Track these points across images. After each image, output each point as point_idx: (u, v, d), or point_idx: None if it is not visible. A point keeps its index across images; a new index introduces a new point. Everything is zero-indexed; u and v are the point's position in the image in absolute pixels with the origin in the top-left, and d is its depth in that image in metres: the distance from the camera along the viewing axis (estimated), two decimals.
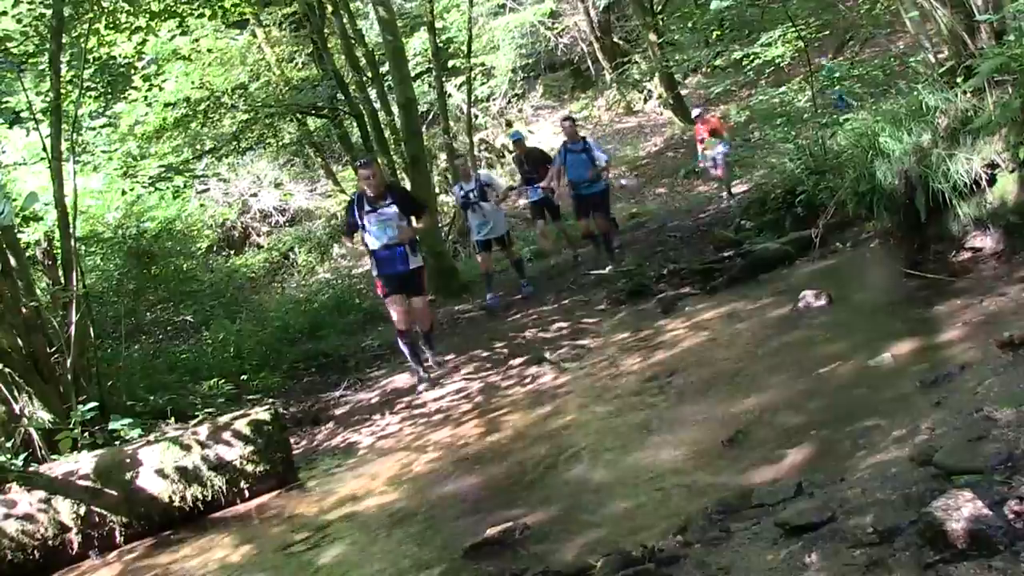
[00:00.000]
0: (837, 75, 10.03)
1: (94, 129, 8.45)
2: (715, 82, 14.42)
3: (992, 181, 4.32)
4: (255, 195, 16.74)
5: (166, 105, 10.53)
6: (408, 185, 9.84)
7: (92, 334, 5.91)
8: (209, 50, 11.96)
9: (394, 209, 6.00)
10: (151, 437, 4.74)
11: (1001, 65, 4.14)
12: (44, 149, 5.96)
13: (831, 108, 11.03)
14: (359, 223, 6.09)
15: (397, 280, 6.07)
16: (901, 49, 8.80)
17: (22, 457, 4.44)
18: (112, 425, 5.01)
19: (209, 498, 4.41)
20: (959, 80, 4.57)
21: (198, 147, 13.00)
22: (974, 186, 4.35)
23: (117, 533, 4.25)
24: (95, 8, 6.72)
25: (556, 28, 20.01)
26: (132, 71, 7.83)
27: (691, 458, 3.11)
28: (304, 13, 11.95)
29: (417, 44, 16.23)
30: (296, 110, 12.69)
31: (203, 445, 4.49)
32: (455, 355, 6.84)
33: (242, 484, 4.49)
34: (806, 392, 3.45)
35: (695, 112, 12.75)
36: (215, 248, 15.72)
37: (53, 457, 4.67)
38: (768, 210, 7.95)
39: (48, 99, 6.21)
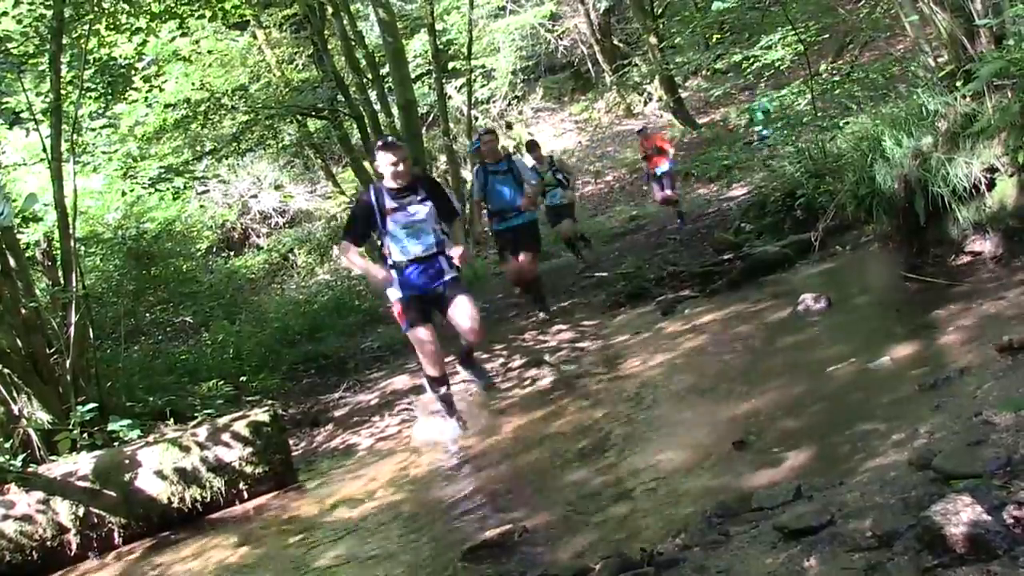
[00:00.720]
0: (761, 114, 10.26)
1: (94, 130, 8.46)
2: (715, 85, 14.42)
3: (991, 185, 4.32)
4: (255, 196, 16.75)
5: (166, 106, 10.56)
6: None
7: (91, 335, 5.91)
8: (209, 51, 11.99)
9: (428, 207, 4.47)
10: (150, 438, 4.74)
11: (1000, 69, 4.14)
12: (44, 150, 5.96)
13: (754, 143, 11.20)
14: (379, 227, 4.46)
15: (427, 303, 4.57)
16: (901, 53, 8.80)
17: (21, 458, 4.44)
18: (111, 426, 5.01)
19: (208, 499, 4.41)
20: (959, 84, 4.58)
21: (198, 148, 13.03)
22: (973, 190, 4.35)
23: (116, 534, 4.24)
24: (95, 9, 6.72)
25: (556, 30, 20.04)
26: (132, 72, 7.84)
27: (690, 461, 3.10)
28: (304, 15, 11.97)
29: (417, 46, 16.27)
30: (296, 111, 12.70)
31: (202, 446, 4.49)
32: (453, 356, 6.82)
33: (241, 485, 4.49)
34: (805, 395, 3.45)
35: (639, 128, 12.33)
36: (215, 249, 15.76)
37: (52, 458, 4.67)
38: (768, 213, 7.96)
39: (48, 100, 6.22)
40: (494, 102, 19.54)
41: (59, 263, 6.19)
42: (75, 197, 6.03)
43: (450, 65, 16.16)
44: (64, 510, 4.16)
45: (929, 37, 4.99)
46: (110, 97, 7.80)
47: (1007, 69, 4.14)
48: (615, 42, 19.90)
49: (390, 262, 4.53)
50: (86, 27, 6.68)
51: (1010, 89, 4.23)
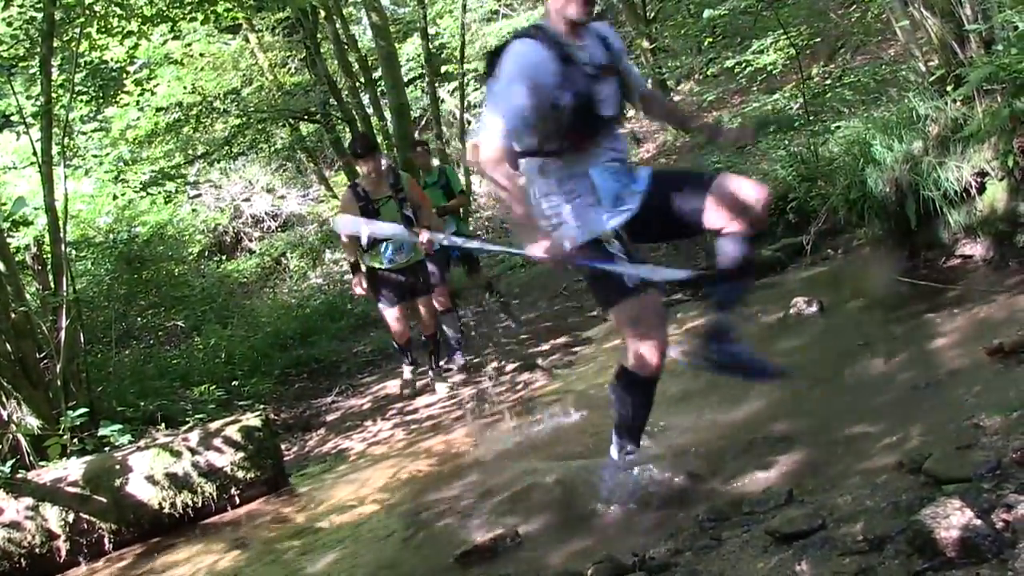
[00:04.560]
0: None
1: (85, 133, 8.44)
2: (708, 89, 14.46)
3: (982, 189, 4.35)
4: (247, 200, 16.69)
5: (158, 110, 10.53)
6: None
7: (82, 339, 5.88)
8: (201, 55, 11.96)
9: None
10: (141, 443, 4.71)
11: (990, 74, 4.16)
12: (34, 153, 5.93)
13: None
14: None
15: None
16: (892, 57, 8.85)
17: (10, 464, 4.41)
18: (102, 431, 4.98)
19: (199, 504, 4.39)
20: (949, 89, 4.60)
21: (190, 152, 12.98)
22: (964, 194, 4.37)
23: (106, 540, 4.22)
24: (87, 12, 6.70)
25: None
26: (124, 75, 7.82)
27: (681, 466, 3.10)
28: (297, 18, 11.94)
29: (410, 49, 16.25)
30: (289, 115, 12.67)
31: (193, 451, 4.47)
32: (445, 361, 6.81)
33: (232, 490, 4.47)
34: (797, 398, 3.46)
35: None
36: (207, 253, 15.67)
37: (41, 463, 4.64)
38: None
39: (39, 103, 6.19)
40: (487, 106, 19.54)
41: (49, 267, 6.16)
42: (66, 201, 6.00)
43: (443, 69, 16.15)
44: (53, 516, 4.13)
45: (920, 42, 5.01)
46: (101, 100, 7.78)
47: (996, 74, 4.16)
48: None
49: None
50: (77, 30, 6.66)
51: (999, 94, 4.25)
